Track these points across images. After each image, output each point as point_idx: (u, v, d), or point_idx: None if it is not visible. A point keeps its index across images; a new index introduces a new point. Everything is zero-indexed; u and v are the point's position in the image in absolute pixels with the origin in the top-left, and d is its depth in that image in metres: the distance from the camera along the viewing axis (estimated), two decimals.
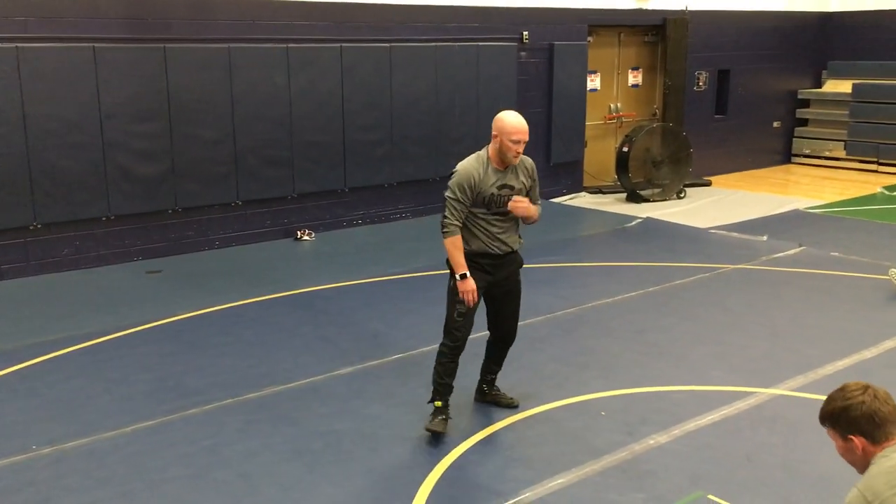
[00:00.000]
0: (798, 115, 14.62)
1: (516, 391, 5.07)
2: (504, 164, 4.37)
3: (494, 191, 4.38)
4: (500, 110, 4.39)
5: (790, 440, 4.42)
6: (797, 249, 8.48)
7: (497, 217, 4.44)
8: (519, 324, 6.30)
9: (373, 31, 9.70)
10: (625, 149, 11.34)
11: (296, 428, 4.64)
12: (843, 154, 13.97)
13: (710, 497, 3.88)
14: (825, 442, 4.32)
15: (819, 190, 12.16)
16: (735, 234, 9.30)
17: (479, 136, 10.55)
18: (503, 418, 4.75)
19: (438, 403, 4.53)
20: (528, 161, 4.52)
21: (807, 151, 14.51)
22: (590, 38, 11.77)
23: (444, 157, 10.37)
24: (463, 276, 4.33)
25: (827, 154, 14.22)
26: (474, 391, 4.99)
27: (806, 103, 14.60)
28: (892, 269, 7.10)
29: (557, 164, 11.64)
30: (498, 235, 4.45)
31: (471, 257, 4.42)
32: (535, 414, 4.82)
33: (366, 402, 5.00)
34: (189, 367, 5.57)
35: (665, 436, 4.49)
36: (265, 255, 8.64)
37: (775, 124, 14.40)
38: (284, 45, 8.97)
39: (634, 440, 4.44)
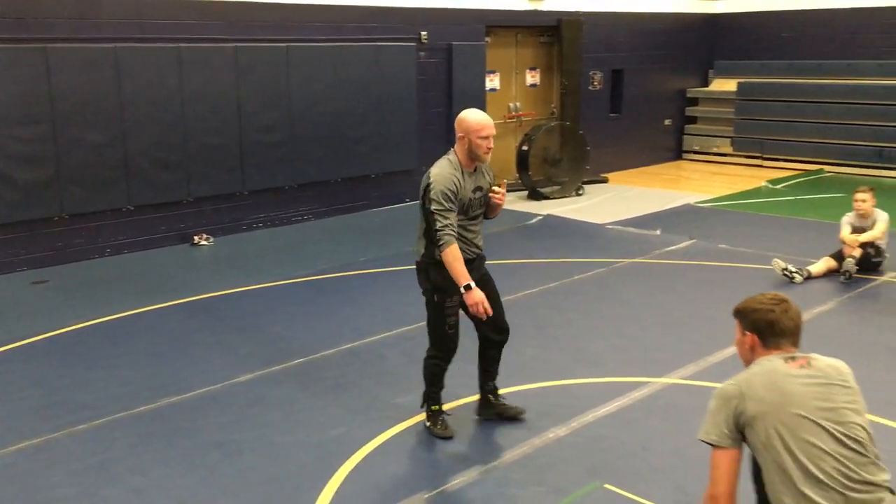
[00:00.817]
0: (687, 113, 15.21)
1: (418, 392, 5.07)
2: (474, 164, 4.26)
3: (471, 195, 4.25)
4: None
5: (682, 427, 4.58)
6: (688, 242, 8.82)
7: (471, 221, 4.32)
8: (422, 324, 6.36)
9: (269, 30, 9.54)
10: (524, 147, 11.54)
11: (191, 440, 4.51)
12: (730, 150, 14.62)
13: (607, 486, 3.99)
14: None
15: (708, 185, 12.68)
16: (631, 229, 9.59)
17: (383, 135, 10.55)
18: (406, 419, 4.75)
19: (436, 407, 4.56)
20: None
21: (696, 148, 15.12)
22: (487, 39, 11.92)
23: (346, 158, 10.31)
24: (468, 287, 4.07)
25: (715, 150, 14.85)
26: (477, 407, 4.74)
27: (694, 101, 15.21)
28: (775, 260, 7.47)
29: None
30: (473, 240, 4.34)
31: (445, 270, 4.21)
32: None
33: (266, 409, 4.91)
34: (78, 380, 5.33)
35: (564, 429, 4.58)
36: (160, 262, 8.37)
37: (666, 122, 14.95)
38: (176, 45, 8.71)
39: (534, 434, 4.52)
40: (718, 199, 11.31)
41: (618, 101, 14.02)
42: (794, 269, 7.30)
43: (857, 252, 7.29)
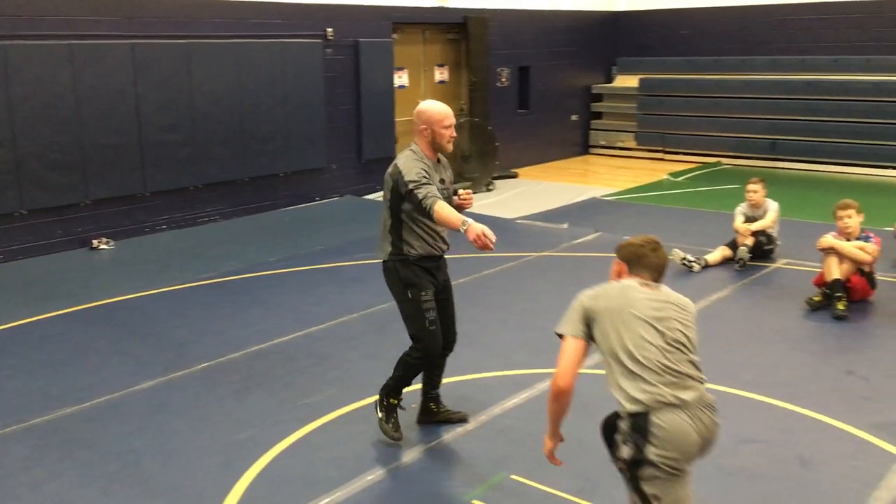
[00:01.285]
0: (593, 109, 15.58)
1: (326, 392, 5.05)
2: (436, 156, 4.23)
3: (439, 185, 4.18)
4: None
5: (586, 416, 4.67)
6: (594, 235, 9.03)
7: None
8: (331, 323, 6.33)
9: (167, 26, 9.27)
10: None
11: (90, 451, 4.35)
12: (634, 144, 15.05)
13: (514, 477, 4.05)
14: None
15: (614, 178, 13.02)
16: (539, 223, 9.76)
17: (289, 134, 10.41)
18: (315, 419, 4.70)
19: (395, 401, 4.43)
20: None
21: (602, 142, 15.50)
22: (395, 36, 11.90)
23: (252, 157, 10.13)
24: (465, 224, 3.85)
25: (620, 144, 15.26)
26: (417, 413, 4.61)
27: (599, 97, 15.58)
28: (675, 250, 7.72)
29: (370, 161, 11.68)
30: (441, 233, 4.27)
31: (416, 261, 4.21)
32: (349, 412, 4.81)
33: (169, 416, 4.78)
34: None
35: (472, 422, 4.63)
36: (57, 268, 8.03)
37: (573, 117, 15.27)
38: (68, 42, 8.36)
39: (443, 430, 4.55)
40: (623, 193, 11.63)
41: (525, 98, 14.23)
42: (692, 259, 7.57)
43: (750, 240, 7.62)
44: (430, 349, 4.30)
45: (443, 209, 3.96)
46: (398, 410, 4.46)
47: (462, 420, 4.61)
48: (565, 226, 9.49)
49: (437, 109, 4.18)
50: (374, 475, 4.10)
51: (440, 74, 13.05)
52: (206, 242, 9.02)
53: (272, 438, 4.47)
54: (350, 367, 5.48)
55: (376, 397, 4.95)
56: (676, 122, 14.49)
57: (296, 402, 4.94)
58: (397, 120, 12.11)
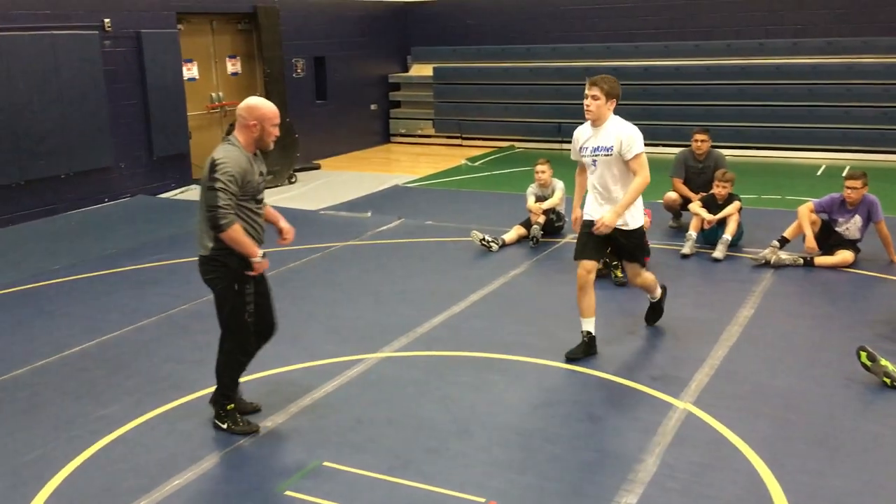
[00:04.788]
0: (391, 98, 15.80)
1: (124, 401, 4.83)
2: (256, 150, 4.23)
3: (259, 178, 4.26)
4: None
5: (393, 396, 4.82)
6: (397, 222, 9.20)
7: (259, 205, 4.30)
8: (127, 329, 6.04)
9: None
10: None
11: None
12: (432, 131, 15.44)
13: (326, 464, 4.08)
14: (422, 392, 4.82)
15: (415, 166, 13.31)
16: (343, 213, 9.79)
17: (68, 133, 9.72)
18: (112, 430, 4.48)
19: (232, 406, 4.40)
20: None
21: (402, 131, 15.77)
22: (180, 26, 11.42)
23: (26, 159, 9.38)
24: (254, 259, 4.19)
25: (419, 132, 15.60)
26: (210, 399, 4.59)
27: (397, 86, 15.82)
28: (474, 231, 8.06)
29: (162, 158, 11.17)
30: (262, 224, 4.37)
31: (243, 256, 4.17)
32: (149, 419, 4.62)
33: None
34: None
35: (282, 415, 4.60)
36: None
37: (373, 107, 15.40)
38: None
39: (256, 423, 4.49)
40: (424, 179, 11.92)
41: (323, 88, 14.16)
42: (490, 239, 7.93)
43: (542, 219, 8.10)
44: (245, 343, 4.39)
45: (238, 236, 4.10)
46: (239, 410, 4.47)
47: (255, 410, 4.61)
48: (369, 214, 9.59)
49: (269, 108, 4.21)
50: (181, 479, 3.98)
51: (233, 66, 12.68)
52: None
53: (66, 455, 4.21)
54: (149, 373, 5.26)
55: (180, 401, 4.83)
56: (471, 108, 15.03)
57: (91, 415, 4.67)
58: (190, 114, 11.65)
